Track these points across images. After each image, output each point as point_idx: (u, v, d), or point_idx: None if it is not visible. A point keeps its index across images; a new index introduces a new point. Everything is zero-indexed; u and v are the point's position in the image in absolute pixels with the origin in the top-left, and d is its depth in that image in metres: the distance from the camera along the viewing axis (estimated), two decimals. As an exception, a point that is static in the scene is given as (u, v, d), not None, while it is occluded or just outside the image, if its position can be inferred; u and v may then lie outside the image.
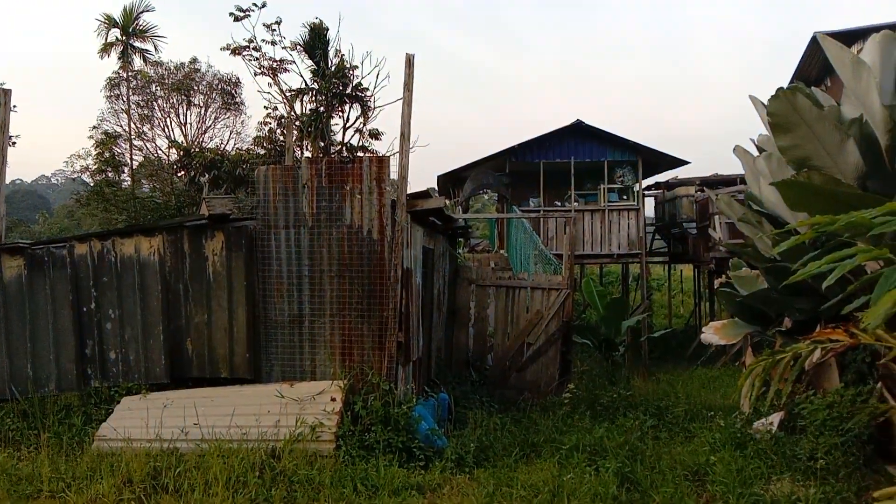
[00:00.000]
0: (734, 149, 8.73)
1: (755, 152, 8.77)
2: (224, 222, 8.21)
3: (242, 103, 34.30)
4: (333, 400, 7.54)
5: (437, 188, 23.44)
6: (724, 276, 10.98)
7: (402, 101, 7.54)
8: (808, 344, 5.54)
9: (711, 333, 9.44)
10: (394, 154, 25.96)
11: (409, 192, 7.86)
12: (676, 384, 12.69)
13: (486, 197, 35.11)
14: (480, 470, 7.14)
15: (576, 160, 19.67)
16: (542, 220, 19.37)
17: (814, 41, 12.12)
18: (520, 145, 19.78)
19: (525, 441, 8.08)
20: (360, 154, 21.66)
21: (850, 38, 9.75)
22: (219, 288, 8.19)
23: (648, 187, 23.23)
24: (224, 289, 8.17)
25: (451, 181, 22.21)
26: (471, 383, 10.73)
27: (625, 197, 20.33)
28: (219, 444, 6.98)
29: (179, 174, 27.03)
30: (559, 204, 20.43)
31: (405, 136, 7.50)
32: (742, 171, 9.76)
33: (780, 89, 7.29)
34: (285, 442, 7.12)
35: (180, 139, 28.37)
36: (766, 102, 7.39)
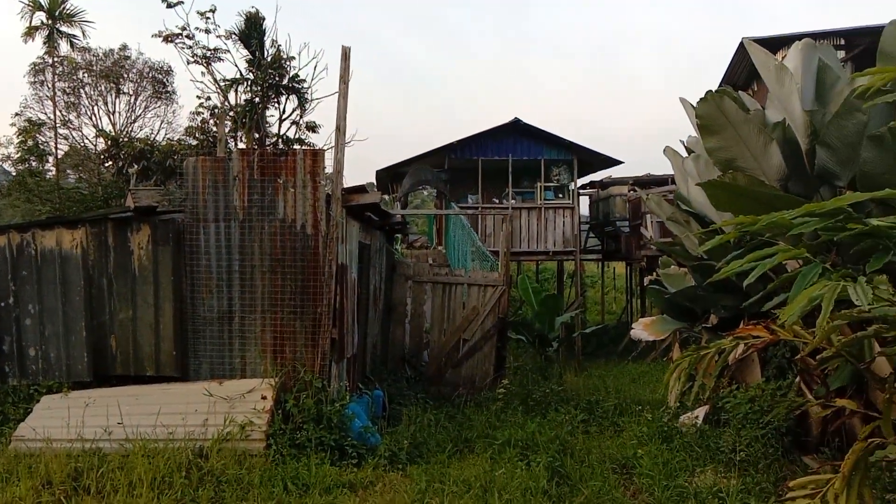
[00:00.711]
0: (664, 150, 8.95)
1: (685, 153, 9.02)
2: (151, 215, 7.93)
3: (174, 92, 33.28)
4: (264, 398, 7.40)
5: (375, 183, 23.31)
6: (654, 273, 11.25)
7: (338, 94, 7.43)
8: (730, 340, 5.71)
9: (641, 329, 9.65)
10: (330, 148, 25.69)
11: (344, 186, 7.75)
12: (607, 379, 12.96)
13: (425, 193, 35.12)
14: (414, 466, 7.12)
15: (513, 158, 19.86)
16: (480, 217, 19.48)
17: (741, 47, 12.55)
18: (459, 142, 19.84)
19: (459, 437, 8.11)
20: (295, 147, 21.32)
21: (776, 44, 10.11)
22: (145, 283, 7.92)
23: (583, 186, 23.68)
24: (150, 284, 7.90)
25: (389, 176, 22.11)
26: (406, 380, 10.71)
27: (561, 195, 20.66)
28: (144, 444, 6.76)
29: (107, 165, 26.05)
30: (497, 201, 20.60)
31: (340, 129, 7.39)
32: (673, 172, 10.05)
33: (708, 92, 7.50)
34: (213, 441, 6.94)
35: (108, 128, 27.32)
36: (695, 105, 7.61)
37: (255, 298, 7.71)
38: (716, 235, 6.81)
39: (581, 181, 22.77)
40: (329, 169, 8.45)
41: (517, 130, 20.05)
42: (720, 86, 15.14)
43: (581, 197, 22.92)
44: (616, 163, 21.23)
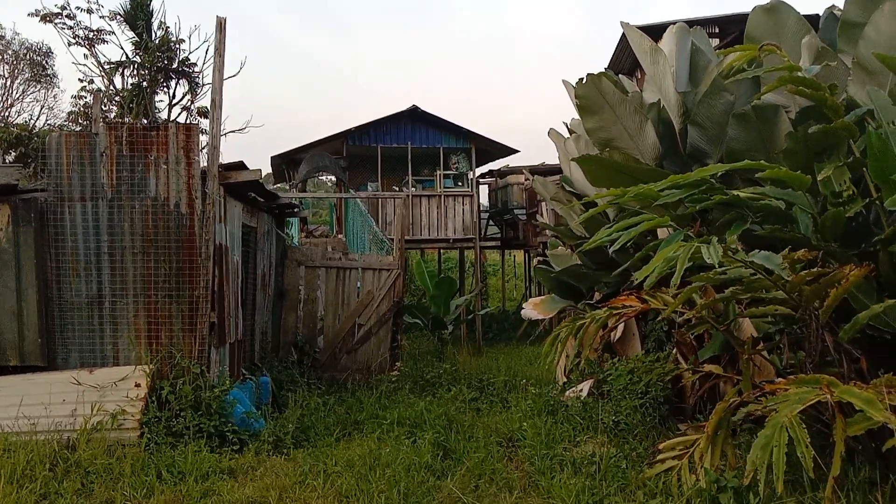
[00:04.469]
0: (549, 132, 9.11)
1: (568, 136, 9.22)
2: (10, 194, 7.34)
3: (55, 76, 31.34)
4: (138, 385, 7.02)
5: (270, 169, 22.71)
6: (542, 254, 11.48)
7: (213, 67, 7.11)
8: (605, 310, 5.87)
9: (530, 309, 9.82)
10: (227, 133, 24.64)
11: (222, 163, 7.44)
12: (503, 360, 13.15)
13: (328, 183, 34.54)
14: (299, 450, 6.96)
15: (413, 146, 19.81)
16: (380, 205, 19.34)
17: (624, 36, 12.92)
18: (356, 128, 19.59)
19: (348, 419, 7.99)
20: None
21: (657, 32, 10.44)
22: (5, 267, 7.32)
23: (483, 175, 23.93)
24: (11, 268, 7.31)
25: (285, 163, 21.57)
26: (300, 366, 10.45)
27: (460, 183, 20.78)
28: (4, 437, 6.30)
29: (-22, 152, 24.18)
30: (397, 189, 20.50)
31: (216, 103, 7.07)
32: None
33: (588, 74, 7.67)
34: (81, 432, 6.54)
35: (-21, 113, 25.39)
36: (575, 86, 7.77)
37: (126, 282, 7.29)
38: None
39: (480, 170, 23.07)
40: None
41: (416, 118, 20.01)
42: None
43: (481, 186, 23.18)
44: (513, 151, 21.58)
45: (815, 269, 3.96)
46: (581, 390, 8.28)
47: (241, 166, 7.53)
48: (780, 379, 3.99)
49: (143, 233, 7.25)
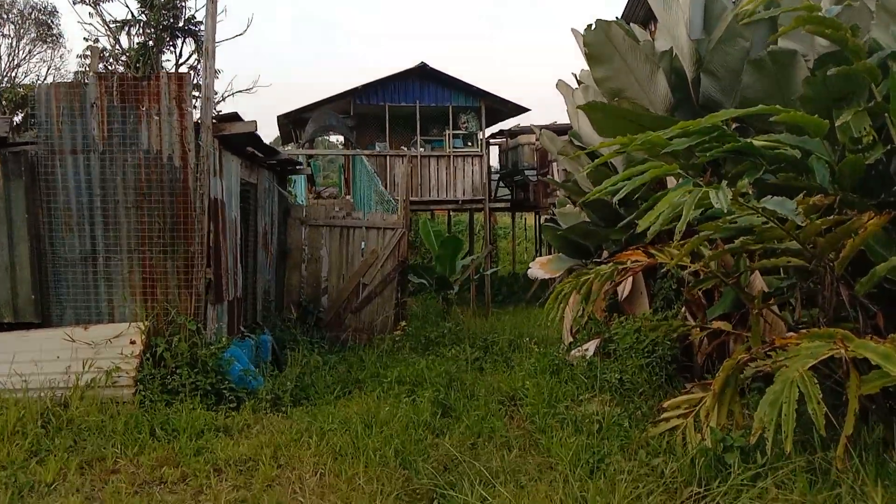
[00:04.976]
0: (556, 83, 8.77)
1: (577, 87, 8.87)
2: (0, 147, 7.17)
3: (61, 35, 31.06)
4: (133, 343, 6.91)
5: (278, 129, 22.44)
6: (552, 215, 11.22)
7: (205, 13, 6.82)
8: (609, 265, 5.64)
9: (537, 268, 9.61)
10: (232, 93, 24.30)
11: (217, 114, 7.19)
12: (506, 320, 12.99)
13: (337, 143, 34.20)
14: (297, 408, 6.84)
15: (421, 105, 19.45)
16: (388, 165, 19.05)
17: (640, -14, 12.50)
18: (364, 86, 19.24)
19: (349, 378, 7.87)
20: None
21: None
22: (-3, 222, 7.19)
23: (493, 135, 23.52)
24: (3, 223, 7.17)
25: (292, 122, 21.28)
26: (302, 326, 10.33)
27: (469, 143, 20.44)
28: (-3, 394, 6.23)
29: (-16, 112, 24.06)
30: (406, 149, 20.19)
31: (209, 52, 6.81)
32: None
33: (597, 20, 7.31)
34: (74, 389, 6.45)
35: (-14, 73, 25.25)
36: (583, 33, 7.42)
37: (120, 237, 7.12)
38: (606, 167, 6.68)
39: (491, 130, 22.68)
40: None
41: (424, 75, 19.60)
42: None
43: (491, 146, 22.79)
44: (524, 110, 21.14)
45: (832, 217, 3.71)
46: (587, 350, 8.10)
47: (235, 118, 7.29)
48: (791, 333, 3.77)
49: (136, 186, 7.06)
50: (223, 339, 7.11)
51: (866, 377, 3.60)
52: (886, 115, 4.72)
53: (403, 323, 10.53)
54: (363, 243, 11.42)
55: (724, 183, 3.65)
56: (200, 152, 6.94)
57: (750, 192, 4.11)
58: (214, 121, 7.04)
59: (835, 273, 4.04)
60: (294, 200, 12.22)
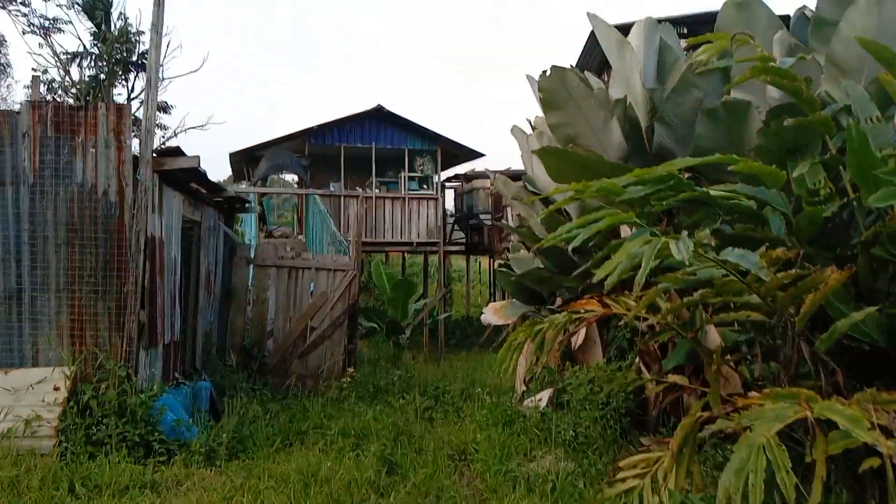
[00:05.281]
0: (511, 129, 8.70)
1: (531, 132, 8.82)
2: (-80, 177, 6.69)
3: (8, 65, 30.23)
4: (57, 389, 6.43)
5: (230, 167, 22.01)
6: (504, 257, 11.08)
7: (150, 43, 6.55)
8: (563, 314, 5.44)
9: (490, 314, 9.41)
10: (184, 130, 23.82)
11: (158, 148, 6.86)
12: (459, 366, 12.68)
13: (294, 184, 33.68)
14: (233, 462, 6.41)
15: (377, 146, 19.33)
16: (342, 206, 18.78)
17: (593, 34, 12.62)
18: (319, 126, 19.04)
19: (290, 429, 7.44)
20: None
21: (625, 32, 10.12)
22: (-88, 257, 6.67)
23: (449, 179, 23.55)
24: (-82, 258, 6.66)
25: (245, 160, 20.90)
26: (246, 371, 9.85)
27: (425, 186, 20.35)
28: None
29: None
30: (361, 190, 19.97)
31: (151, 83, 6.51)
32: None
33: (553, 66, 7.28)
34: (-13, 440, 5.93)
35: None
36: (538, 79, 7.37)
37: (48, 275, 6.67)
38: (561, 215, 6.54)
39: (446, 173, 22.67)
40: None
41: (381, 117, 19.52)
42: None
43: (447, 190, 22.77)
44: (479, 155, 21.24)
45: (793, 272, 3.58)
46: (540, 400, 7.86)
47: (177, 152, 6.96)
48: (753, 393, 3.59)
49: (68, 222, 6.64)
50: (155, 387, 6.66)
51: (829, 437, 3.44)
52: (841, 167, 4.69)
53: (352, 369, 10.14)
54: (312, 285, 11.06)
55: (685, 233, 3.50)
56: (139, 187, 6.58)
57: (712, 243, 3.98)
58: (155, 155, 6.70)
59: (795, 328, 3.91)
60: (243, 239, 11.80)
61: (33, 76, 21.52)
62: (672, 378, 5.87)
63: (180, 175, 7.27)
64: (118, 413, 6.37)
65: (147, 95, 6.55)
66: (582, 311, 5.44)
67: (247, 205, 10.85)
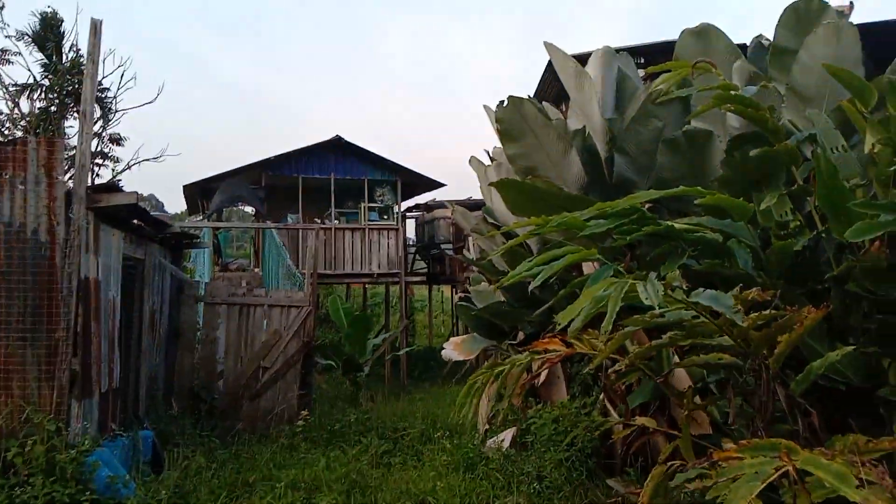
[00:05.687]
0: (469, 160, 8.47)
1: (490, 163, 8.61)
2: None
3: (-47, 96, 29.26)
4: (-24, 447, 5.87)
5: (184, 199, 21.42)
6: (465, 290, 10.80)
7: (84, 74, 6.16)
8: (525, 354, 5.16)
9: (451, 349, 9.09)
10: (138, 162, 23.30)
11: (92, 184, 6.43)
12: (420, 403, 12.27)
13: (252, 216, 32.98)
14: (174, 521, 5.93)
15: (336, 177, 19.00)
16: (300, 238, 18.34)
17: (550, 64, 12.54)
18: (276, 157, 18.64)
19: (237, 481, 6.95)
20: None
21: (582, 62, 10.04)
22: None
23: (410, 209, 23.32)
24: None
25: (199, 192, 20.34)
26: (194, 416, 9.31)
27: (385, 217, 20.06)
28: None
29: None
30: (320, 221, 19.57)
31: (86, 115, 6.11)
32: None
33: (510, 96, 7.08)
34: None
35: None
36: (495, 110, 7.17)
37: (-30, 322, 6.15)
38: (521, 246, 6.27)
39: (407, 203, 22.43)
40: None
41: (340, 148, 19.23)
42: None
43: (408, 220, 22.52)
44: (439, 185, 21.07)
45: (768, 312, 3.36)
46: (503, 440, 7.53)
47: (114, 188, 6.54)
48: (728, 444, 3.33)
49: (-8, 264, 6.15)
50: (87, 442, 6.14)
51: (808, 486, 3.20)
52: (808, 199, 4.54)
53: (305, 412, 9.67)
54: (265, 322, 10.61)
55: (653, 275, 3.25)
56: (71, 226, 6.14)
57: (682, 285, 3.74)
58: (89, 191, 6.27)
59: (769, 370, 3.68)
60: (194, 275, 11.31)
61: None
62: (640, 420, 5.63)
63: (119, 212, 6.84)
64: (46, 471, 5.83)
65: (81, 128, 6.14)
66: (545, 350, 5.18)
67: (196, 240, 10.38)
